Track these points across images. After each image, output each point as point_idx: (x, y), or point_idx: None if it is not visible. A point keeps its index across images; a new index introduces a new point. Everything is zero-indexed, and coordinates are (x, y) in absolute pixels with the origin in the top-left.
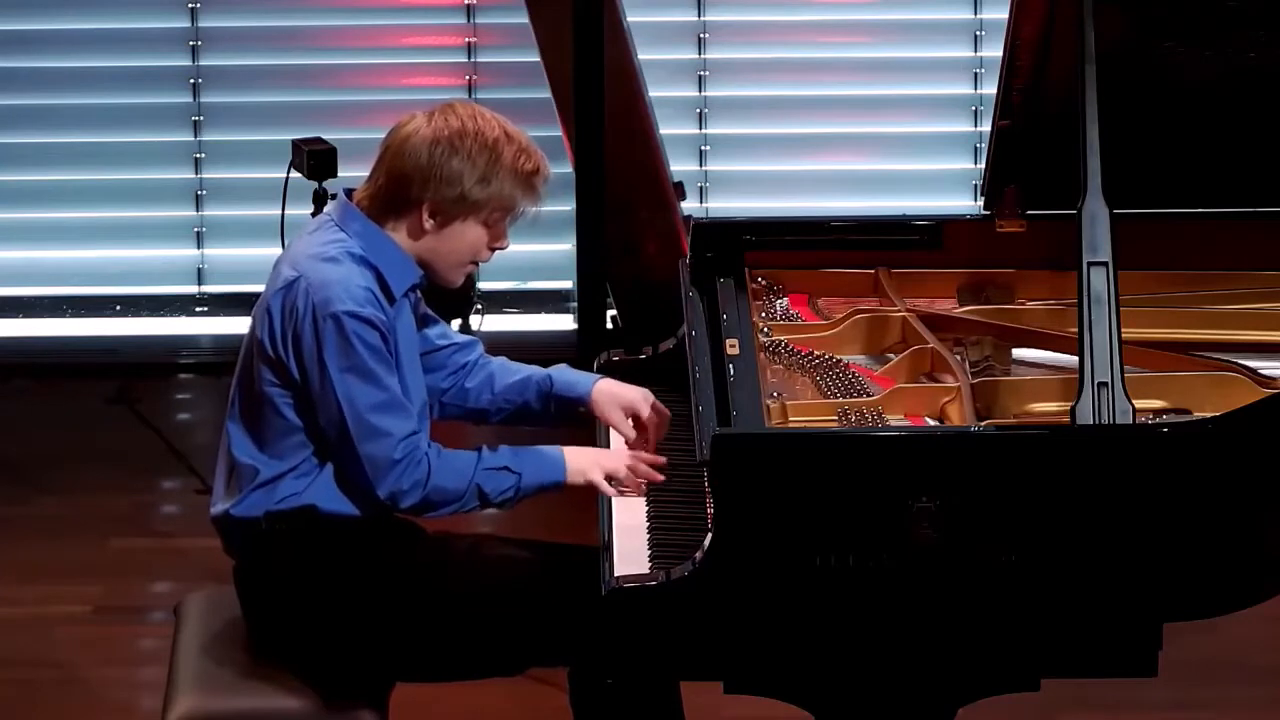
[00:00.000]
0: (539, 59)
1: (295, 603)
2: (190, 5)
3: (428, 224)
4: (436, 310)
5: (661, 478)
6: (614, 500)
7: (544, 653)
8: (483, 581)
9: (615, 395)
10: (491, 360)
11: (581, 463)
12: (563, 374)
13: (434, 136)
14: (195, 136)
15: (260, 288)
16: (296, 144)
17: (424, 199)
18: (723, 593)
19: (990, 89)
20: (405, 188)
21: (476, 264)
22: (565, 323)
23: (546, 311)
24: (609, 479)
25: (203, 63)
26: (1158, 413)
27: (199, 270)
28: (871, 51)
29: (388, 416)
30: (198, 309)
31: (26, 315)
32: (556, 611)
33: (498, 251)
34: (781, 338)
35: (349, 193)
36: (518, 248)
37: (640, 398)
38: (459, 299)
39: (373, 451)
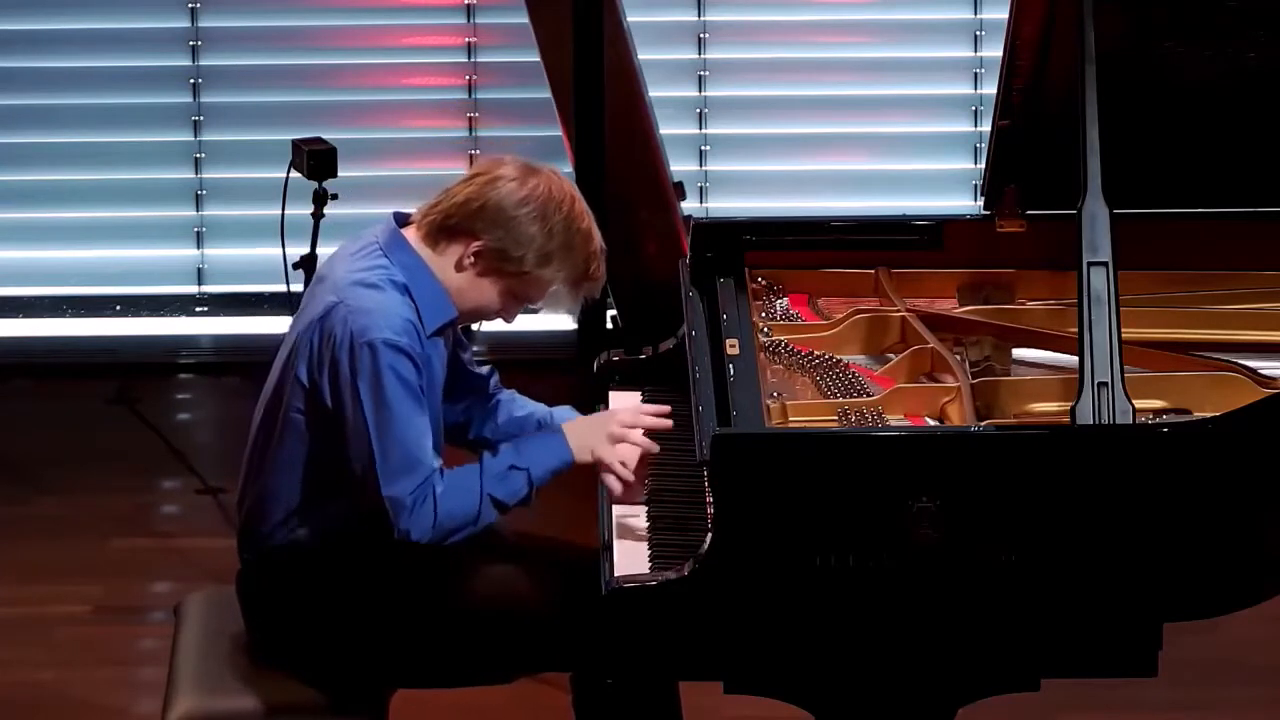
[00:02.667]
0: (539, 59)
1: (297, 609)
2: (190, 5)
3: (468, 261)
4: None
5: (669, 424)
6: (613, 500)
7: (544, 660)
8: (483, 588)
9: None
10: (503, 391)
11: (586, 438)
12: (565, 416)
13: (529, 194)
14: (195, 136)
15: (261, 287)
16: (296, 144)
17: (481, 238)
18: (723, 593)
19: (990, 89)
20: (474, 219)
21: (478, 322)
22: (565, 323)
23: (546, 311)
24: (612, 466)
25: (203, 63)
26: (1158, 413)
27: (199, 270)
28: (871, 51)
29: (409, 459)
30: (198, 309)
31: (26, 315)
32: (556, 620)
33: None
34: (781, 338)
35: (400, 219)
36: None
37: (605, 419)
38: None
39: (391, 491)
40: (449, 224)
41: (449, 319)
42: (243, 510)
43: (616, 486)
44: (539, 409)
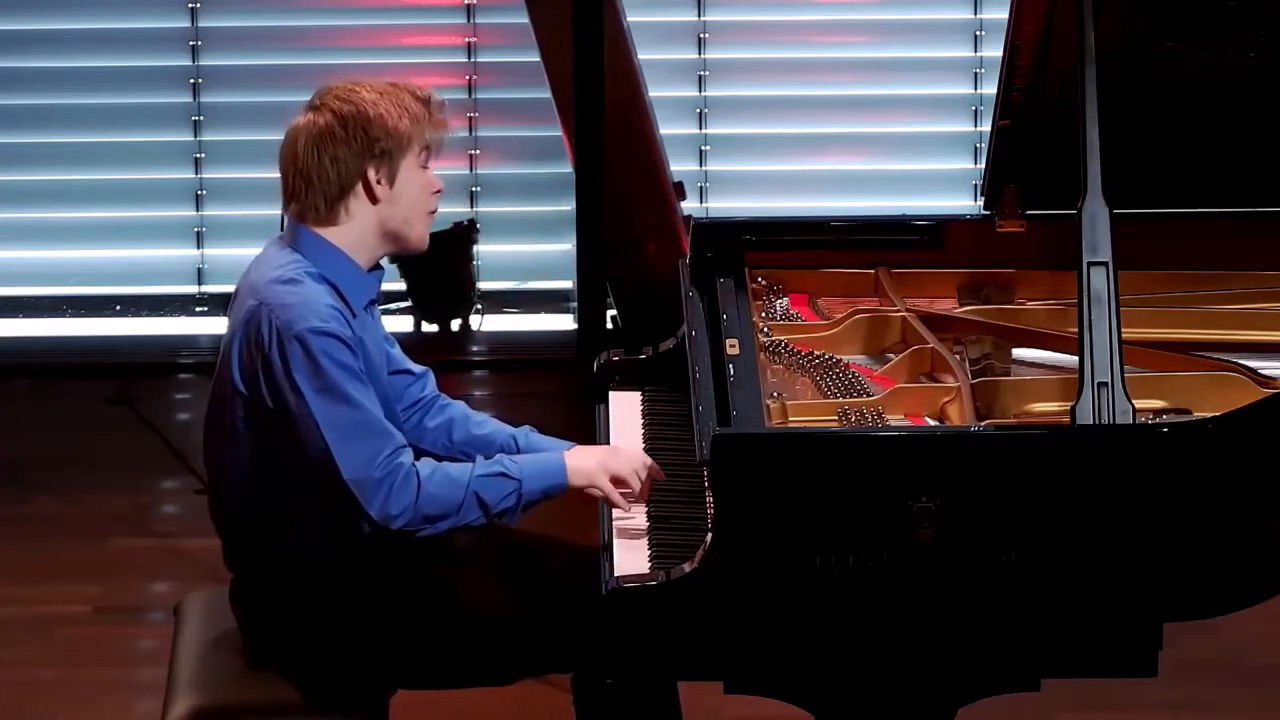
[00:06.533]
0: (539, 59)
1: (295, 611)
2: (190, 5)
3: (378, 189)
4: (437, 309)
5: (661, 475)
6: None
7: (544, 661)
8: (483, 588)
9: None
10: (452, 404)
11: (584, 464)
12: (529, 440)
13: (337, 111)
14: (195, 136)
15: None
16: None
17: (365, 165)
18: (723, 593)
19: (990, 89)
20: (347, 160)
21: (433, 214)
22: (565, 323)
23: (546, 311)
24: (614, 482)
25: (203, 63)
26: (1158, 413)
27: (199, 270)
28: (871, 51)
29: (366, 436)
30: (198, 309)
31: (26, 315)
32: (557, 621)
33: (440, 198)
34: (781, 338)
35: (297, 215)
36: (518, 248)
37: (607, 453)
38: (459, 299)
39: (356, 474)
40: (330, 188)
41: (372, 293)
42: (218, 527)
43: (618, 498)
44: (499, 430)
